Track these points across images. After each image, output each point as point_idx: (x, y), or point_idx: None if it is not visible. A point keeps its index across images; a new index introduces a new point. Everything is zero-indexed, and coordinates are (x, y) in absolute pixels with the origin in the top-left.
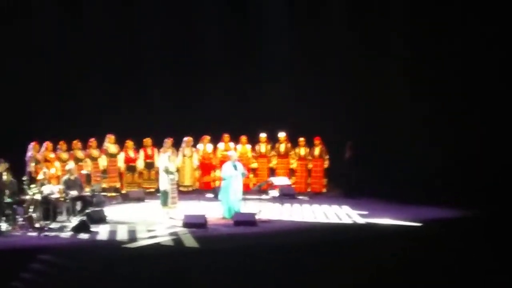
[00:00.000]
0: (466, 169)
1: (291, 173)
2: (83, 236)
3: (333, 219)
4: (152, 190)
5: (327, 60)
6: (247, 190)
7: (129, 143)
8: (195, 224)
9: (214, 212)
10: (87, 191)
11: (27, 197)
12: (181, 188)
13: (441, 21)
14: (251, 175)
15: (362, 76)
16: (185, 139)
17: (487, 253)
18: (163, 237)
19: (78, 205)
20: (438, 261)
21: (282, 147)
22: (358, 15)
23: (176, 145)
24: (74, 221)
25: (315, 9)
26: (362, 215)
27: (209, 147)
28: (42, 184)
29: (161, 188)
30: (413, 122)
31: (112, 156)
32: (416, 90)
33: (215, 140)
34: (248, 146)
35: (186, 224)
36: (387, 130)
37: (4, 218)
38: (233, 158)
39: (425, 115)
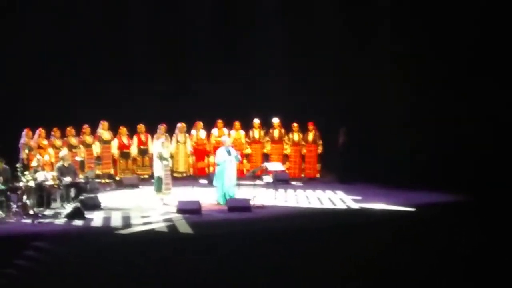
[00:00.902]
0: (459, 154)
1: (285, 158)
2: (77, 222)
3: (327, 205)
4: (146, 176)
5: (320, 45)
6: (241, 176)
7: (123, 129)
8: (189, 210)
9: (208, 198)
10: (81, 178)
11: (21, 184)
12: (175, 174)
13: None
14: (244, 161)
15: (355, 62)
16: (179, 125)
17: (480, 238)
18: (157, 223)
19: (72, 192)
20: (432, 246)
21: (275, 133)
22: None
23: (170, 131)
24: (68, 207)
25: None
26: (356, 200)
27: (203, 133)
28: (36, 171)
29: (155, 174)
30: (407, 106)
31: (106, 142)
32: (408, 75)
33: (208, 126)
34: (242, 132)
35: (180, 210)
36: (381, 115)
37: None
38: (227, 143)
39: (419, 99)
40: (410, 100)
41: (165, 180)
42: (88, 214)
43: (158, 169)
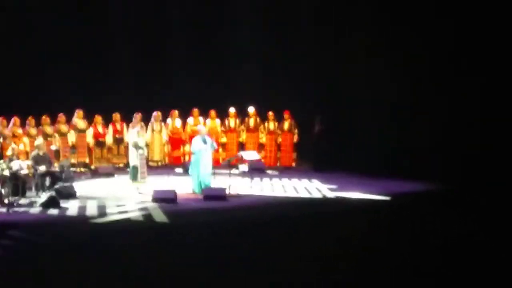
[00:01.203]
0: (434, 143)
1: (260, 147)
2: (53, 211)
3: (303, 193)
4: (121, 165)
5: (295, 31)
6: (216, 164)
7: (98, 118)
8: (165, 199)
9: (183, 187)
10: (56, 167)
11: None
12: (151, 163)
13: None
14: (220, 150)
15: (331, 49)
16: (154, 113)
17: (453, 226)
18: (133, 212)
19: (47, 181)
20: (405, 235)
21: (251, 122)
22: None
23: (145, 120)
24: (43, 196)
25: None
26: (331, 189)
27: (178, 121)
28: (11, 160)
29: (131, 163)
30: (382, 95)
31: (81, 131)
32: (386, 63)
33: (184, 115)
34: (217, 121)
35: (156, 199)
36: (356, 104)
37: None
38: (202, 132)
39: (395, 89)
40: (388, 90)
41: (141, 169)
42: (63, 203)
43: (134, 158)
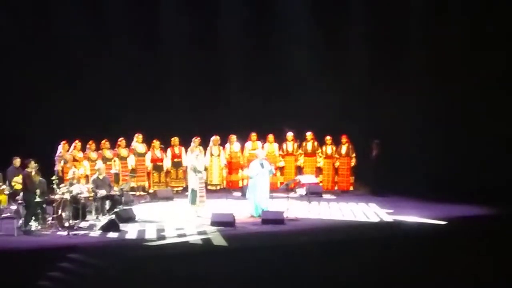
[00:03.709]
0: (493, 167)
1: (318, 171)
2: (112, 235)
3: (360, 217)
4: (180, 189)
5: (352, 59)
6: (274, 188)
7: (156, 143)
8: (223, 222)
9: (242, 210)
10: (115, 190)
11: (57, 196)
12: (209, 187)
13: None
14: (278, 174)
15: (388, 74)
16: (213, 138)
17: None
18: (192, 236)
19: (107, 204)
20: (463, 259)
21: (309, 146)
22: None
23: (204, 144)
24: (103, 220)
25: (339, 9)
26: (389, 213)
27: (236, 146)
28: (71, 184)
29: (190, 186)
30: (439, 119)
31: (140, 155)
32: (439, 88)
33: (242, 139)
34: (275, 145)
35: (214, 223)
36: (413, 128)
37: (34, 218)
38: (260, 156)
39: (451, 113)
40: (446, 113)
41: (200, 192)
42: (122, 227)
43: (193, 182)
